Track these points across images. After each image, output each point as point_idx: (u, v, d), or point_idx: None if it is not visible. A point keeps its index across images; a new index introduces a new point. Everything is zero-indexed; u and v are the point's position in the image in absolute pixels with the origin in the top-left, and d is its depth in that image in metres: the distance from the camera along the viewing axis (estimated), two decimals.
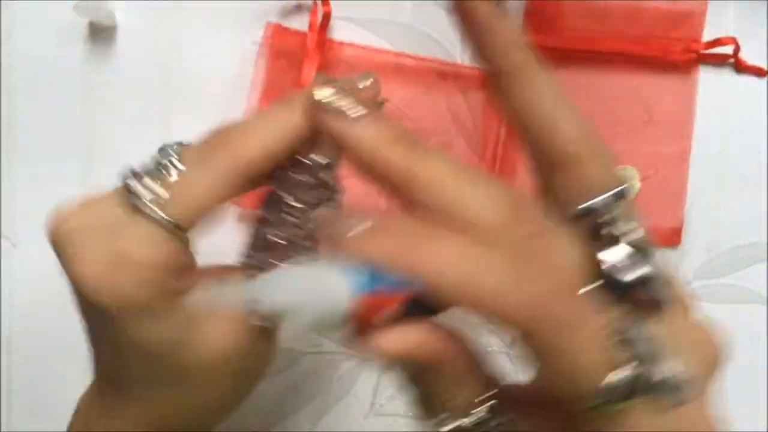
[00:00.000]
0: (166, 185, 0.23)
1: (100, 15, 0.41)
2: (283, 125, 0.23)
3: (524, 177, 0.43)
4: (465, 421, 0.22)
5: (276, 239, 0.24)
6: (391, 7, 0.43)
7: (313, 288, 0.18)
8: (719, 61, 0.43)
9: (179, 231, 0.23)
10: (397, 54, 0.43)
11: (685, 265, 0.44)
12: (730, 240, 0.44)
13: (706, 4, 0.43)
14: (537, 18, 0.42)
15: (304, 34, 0.42)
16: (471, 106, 0.43)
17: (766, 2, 0.43)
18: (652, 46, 0.42)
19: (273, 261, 0.24)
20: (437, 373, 0.21)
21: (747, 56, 0.43)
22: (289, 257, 0.24)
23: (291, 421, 0.43)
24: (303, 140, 0.23)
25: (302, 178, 0.24)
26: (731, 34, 0.43)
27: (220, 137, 0.24)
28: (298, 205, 0.24)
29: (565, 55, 0.43)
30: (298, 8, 0.43)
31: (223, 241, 0.43)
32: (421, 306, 0.21)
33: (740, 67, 0.43)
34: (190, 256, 0.25)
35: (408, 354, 0.20)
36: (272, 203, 0.25)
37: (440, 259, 0.19)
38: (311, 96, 0.22)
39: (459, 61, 0.43)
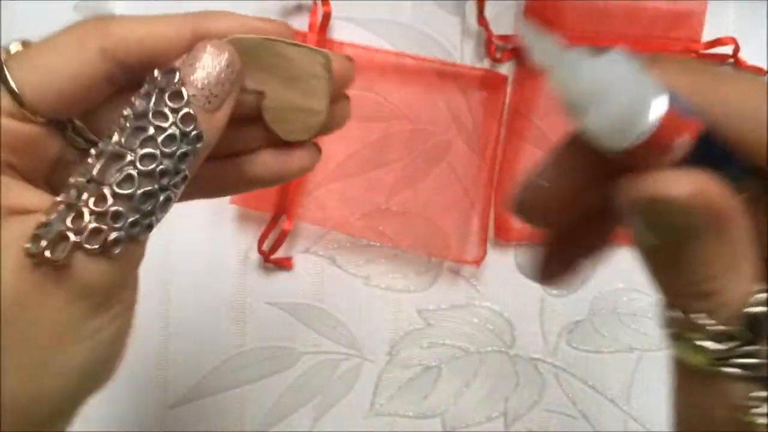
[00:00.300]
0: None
1: (100, 15, 0.41)
2: (171, 27, 0.21)
3: (524, 177, 0.43)
4: (729, 329, 0.17)
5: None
6: (391, 7, 0.43)
7: (624, 86, 0.17)
8: (719, 61, 0.43)
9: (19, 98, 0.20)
10: (397, 54, 0.43)
11: None
12: None
13: (706, 4, 0.43)
14: (537, 18, 0.43)
15: (304, 34, 0.42)
16: (471, 106, 0.43)
17: (766, 2, 0.43)
18: (652, 46, 0.42)
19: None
20: (706, 245, 0.17)
21: (747, 56, 0.43)
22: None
23: (291, 421, 0.43)
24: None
25: (142, 98, 0.20)
26: (731, 34, 0.43)
27: (98, 18, 0.22)
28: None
29: None
30: (298, 8, 0.43)
31: (223, 243, 0.43)
32: (713, 152, 0.17)
33: (740, 67, 0.43)
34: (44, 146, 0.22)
35: (691, 200, 0.16)
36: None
37: (737, 97, 0.17)
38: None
39: (459, 61, 0.43)
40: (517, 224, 0.43)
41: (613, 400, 0.43)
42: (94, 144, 0.23)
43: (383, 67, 0.43)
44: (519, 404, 0.43)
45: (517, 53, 0.43)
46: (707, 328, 0.17)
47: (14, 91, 0.20)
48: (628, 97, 0.17)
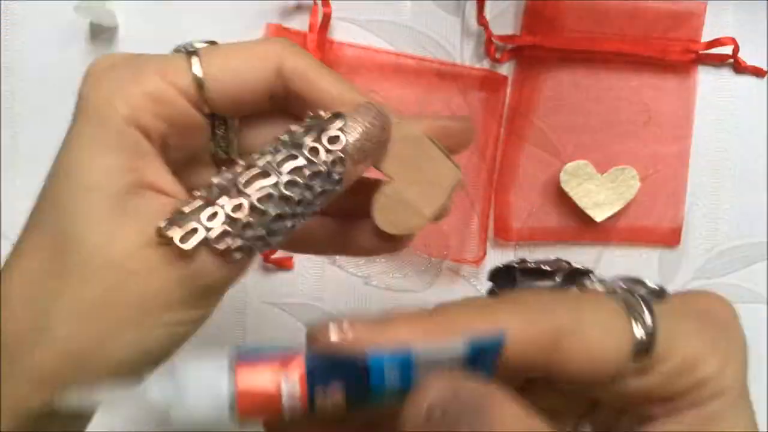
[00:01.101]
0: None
1: (100, 15, 0.41)
2: (341, 89, 0.23)
3: (523, 177, 0.44)
4: None
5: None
6: (391, 7, 0.43)
7: (195, 388, 0.17)
8: (718, 61, 0.43)
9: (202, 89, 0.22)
10: (397, 54, 0.43)
11: (685, 265, 0.44)
12: (730, 240, 0.44)
13: (706, 4, 0.43)
14: (537, 18, 0.43)
15: (304, 35, 0.42)
16: (471, 107, 0.43)
17: (766, 2, 0.43)
18: (652, 46, 0.42)
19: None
20: None
21: (746, 56, 0.43)
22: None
23: None
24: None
25: (294, 135, 0.22)
26: (731, 34, 0.43)
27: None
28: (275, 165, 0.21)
29: (565, 55, 0.43)
30: (298, 8, 0.43)
31: None
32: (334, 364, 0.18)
33: (739, 68, 0.43)
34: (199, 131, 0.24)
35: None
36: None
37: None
38: None
39: (459, 61, 0.43)
40: (516, 224, 0.43)
41: None
42: (228, 159, 0.25)
43: (383, 67, 0.43)
44: None
45: (517, 53, 0.43)
46: None
47: (199, 78, 0.22)
48: (201, 408, 0.17)
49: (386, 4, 0.43)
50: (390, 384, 0.17)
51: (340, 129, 0.22)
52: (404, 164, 0.24)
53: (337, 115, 0.22)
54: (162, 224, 0.20)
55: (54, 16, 0.42)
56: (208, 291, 0.22)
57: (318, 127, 0.22)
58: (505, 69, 0.43)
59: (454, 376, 0.18)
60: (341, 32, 0.43)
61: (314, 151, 0.21)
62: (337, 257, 0.43)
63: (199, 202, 0.21)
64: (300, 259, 0.43)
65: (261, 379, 0.16)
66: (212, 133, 0.24)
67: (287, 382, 0.16)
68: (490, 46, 0.43)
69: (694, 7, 0.43)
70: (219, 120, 0.24)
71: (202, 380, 0.17)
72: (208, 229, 0.20)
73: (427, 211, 0.24)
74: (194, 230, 0.20)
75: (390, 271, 0.43)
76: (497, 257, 0.44)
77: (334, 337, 0.18)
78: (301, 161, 0.21)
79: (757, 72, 0.43)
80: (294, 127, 0.22)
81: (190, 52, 0.23)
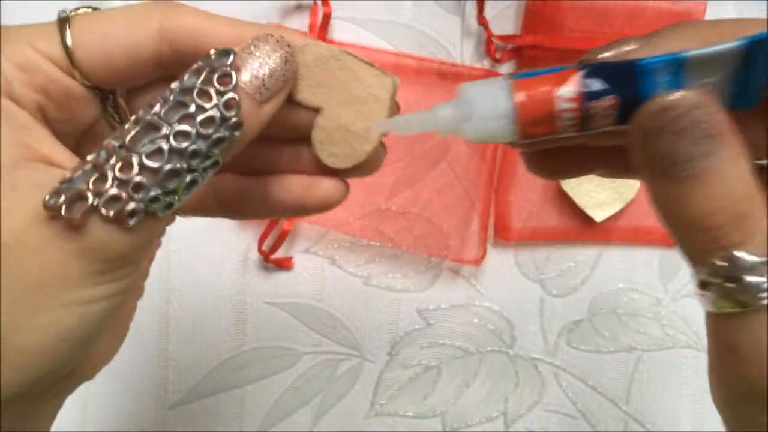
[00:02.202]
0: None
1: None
2: (235, 28, 0.22)
3: (523, 177, 0.44)
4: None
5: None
6: (391, 7, 0.43)
7: (482, 104, 0.19)
8: None
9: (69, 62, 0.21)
10: (397, 54, 0.43)
11: (685, 265, 0.44)
12: None
13: (706, 4, 0.43)
14: (537, 18, 0.43)
15: (304, 35, 0.42)
16: None
17: (766, 2, 0.43)
18: None
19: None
20: (722, 158, 0.17)
21: None
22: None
23: (291, 421, 0.43)
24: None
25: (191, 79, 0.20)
26: None
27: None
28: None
29: (565, 55, 0.43)
30: (298, 8, 0.43)
31: (223, 243, 0.43)
32: (607, 73, 0.18)
33: None
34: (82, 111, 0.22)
35: (695, 101, 0.17)
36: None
37: None
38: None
39: (459, 61, 0.43)
40: (517, 224, 0.43)
41: (613, 400, 0.43)
42: None
43: (383, 67, 0.43)
44: (519, 404, 0.43)
45: (517, 53, 0.43)
46: (750, 261, 0.17)
47: (67, 45, 0.20)
48: (487, 106, 0.19)
49: (386, 4, 0.43)
50: (660, 88, 0.17)
51: (231, 66, 0.20)
52: (328, 88, 0.22)
53: (225, 52, 0.20)
54: (46, 196, 0.18)
55: (53, 15, 0.42)
56: (113, 262, 0.20)
57: (207, 68, 0.20)
58: (505, 69, 0.43)
59: (707, 99, 0.16)
60: (341, 32, 0.43)
61: (204, 94, 0.19)
62: (337, 257, 0.43)
63: (87, 166, 0.19)
64: (300, 259, 0.43)
65: (538, 91, 0.17)
66: (102, 105, 0.22)
67: (564, 89, 0.17)
68: (490, 45, 0.43)
69: (694, 7, 0.43)
70: (103, 92, 0.22)
71: (487, 96, 0.18)
72: (96, 195, 0.18)
73: (371, 130, 0.22)
74: (81, 197, 0.18)
75: (390, 271, 0.43)
76: (497, 257, 0.44)
77: (607, 54, 0.18)
78: (191, 108, 0.19)
79: None
80: (184, 74, 0.20)
81: (62, 19, 0.21)
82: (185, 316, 0.43)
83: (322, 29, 0.42)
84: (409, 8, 0.43)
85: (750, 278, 0.17)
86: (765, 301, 0.17)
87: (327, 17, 0.42)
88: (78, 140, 0.23)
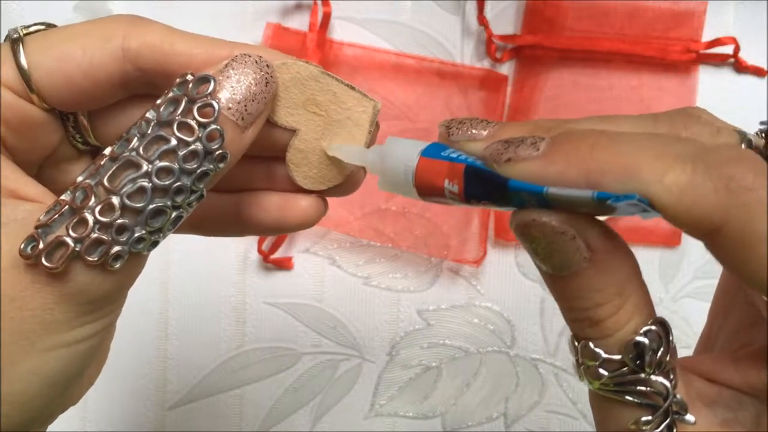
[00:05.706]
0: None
1: (100, 15, 0.41)
2: (205, 47, 0.20)
3: None
4: (615, 357, 0.18)
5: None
6: (391, 7, 0.43)
7: (395, 156, 0.20)
8: (719, 61, 0.43)
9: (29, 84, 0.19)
10: (398, 53, 0.43)
11: (685, 265, 0.44)
12: None
13: (706, 4, 0.43)
14: (537, 18, 0.42)
15: (304, 34, 0.42)
16: (471, 106, 0.43)
17: (766, 2, 0.43)
18: (653, 46, 0.42)
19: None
20: (586, 275, 0.18)
21: (747, 56, 0.43)
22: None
23: (291, 421, 0.43)
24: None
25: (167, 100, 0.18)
26: (731, 34, 0.43)
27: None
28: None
29: (565, 55, 0.43)
30: (298, 8, 0.43)
31: (223, 243, 0.43)
32: (484, 183, 0.19)
33: (740, 67, 0.43)
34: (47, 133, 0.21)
35: (557, 227, 0.17)
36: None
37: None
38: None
39: (459, 61, 0.43)
40: None
41: None
42: (95, 147, 0.22)
43: (383, 66, 0.43)
44: (519, 404, 0.43)
45: (517, 53, 0.43)
46: (598, 354, 0.18)
47: (23, 68, 0.19)
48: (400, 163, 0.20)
49: (386, 4, 0.43)
50: (529, 205, 0.18)
51: (212, 95, 0.18)
52: (306, 110, 0.21)
53: (204, 79, 0.19)
54: (22, 245, 0.17)
55: (54, 15, 0.42)
56: (96, 304, 0.19)
57: (185, 97, 0.18)
58: (506, 68, 0.43)
59: (569, 223, 0.17)
60: (341, 32, 0.43)
61: (184, 127, 0.18)
62: (337, 257, 0.43)
63: (65, 208, 0.18)
64: (300, 259, 0.43)
65: (434, 172, 0.19)
66: (64, 126, 0.21)
67: (449, 185, 0.19)
68: (490, 45, 0.43)
69: (695, 7, 0.43)
70: (64, 115, 0.21)
71: (399, 158, 0.20)
72: (76, 241, 0.17)
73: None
74: (61, 244, 0.17)
75: (390, 271, 0.43)
76: (497, 257, 0.44)
77: (457, 138, 0.20)
78: (173, 143, 0.18)
79: (758, 72, 0.43)
80: (160, 101, 0.18)
81: (14, 39, 0.19)
82: (185, 316, 0.43)
83: (322, 29, 0.42)
84: (409, 8, 0.43)
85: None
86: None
87: (327, 17, 0.42)
88: (41, 166, 0.21)
